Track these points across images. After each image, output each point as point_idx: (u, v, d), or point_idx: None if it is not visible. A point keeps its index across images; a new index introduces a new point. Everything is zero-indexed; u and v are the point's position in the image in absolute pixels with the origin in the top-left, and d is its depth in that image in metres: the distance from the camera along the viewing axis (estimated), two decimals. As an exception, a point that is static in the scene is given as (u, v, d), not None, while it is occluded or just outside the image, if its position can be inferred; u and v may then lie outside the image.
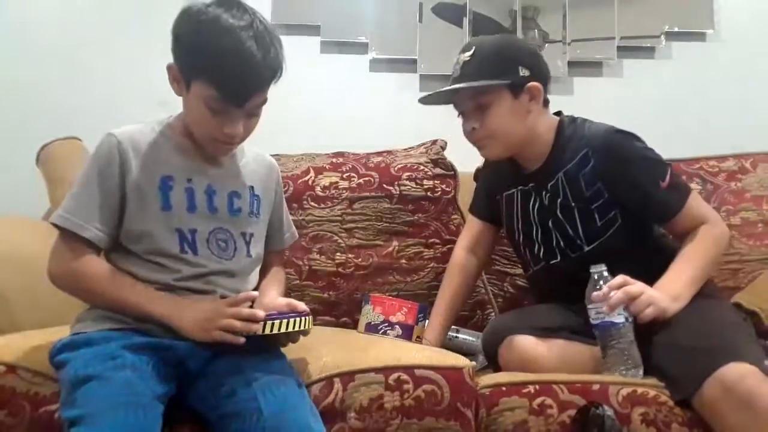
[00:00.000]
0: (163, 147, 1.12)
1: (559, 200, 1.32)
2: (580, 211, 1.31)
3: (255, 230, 1.19)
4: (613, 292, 1.14)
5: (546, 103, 1.37)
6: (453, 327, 1.50)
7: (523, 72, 1.31)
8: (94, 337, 1.01)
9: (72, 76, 2.03)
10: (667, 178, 1.27)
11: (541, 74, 1.34)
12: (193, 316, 1.02)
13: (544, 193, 1.35)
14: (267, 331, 0.99)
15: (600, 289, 1.16)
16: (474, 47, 1.32)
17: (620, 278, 1.16)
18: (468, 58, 1.32)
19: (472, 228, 1.54)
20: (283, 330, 1.00)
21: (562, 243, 1.33)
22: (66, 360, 0.98)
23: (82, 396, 0.90)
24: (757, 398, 0.98)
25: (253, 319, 0.99)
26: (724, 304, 1.29)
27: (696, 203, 1.30)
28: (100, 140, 1.11)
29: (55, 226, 1.07)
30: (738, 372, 1.00)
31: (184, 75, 1.07)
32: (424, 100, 1.40)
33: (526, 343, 1.22)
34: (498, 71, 1.30)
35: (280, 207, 1.29)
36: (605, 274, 1.18)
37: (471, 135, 1.35)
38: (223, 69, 1.03)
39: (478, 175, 1.60)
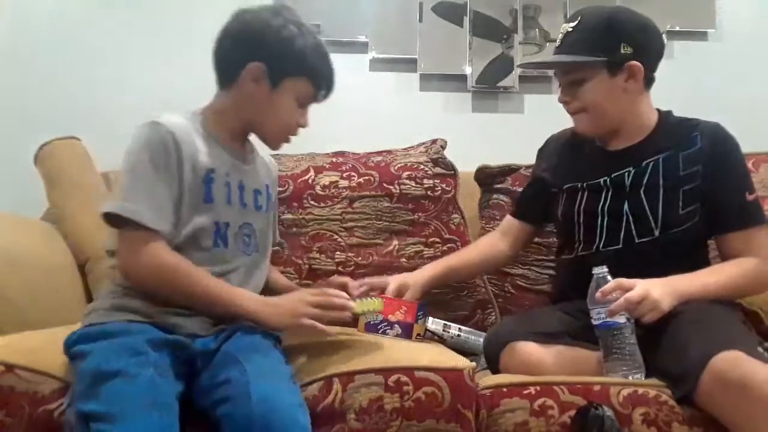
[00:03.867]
0: (203, 140, 1.14)
1: (647, 179, 1.30)
2: (665, 192, 1.29)
3: (266, 227, 1.26)
4: (616, 293, 1.14)
5: (650, 82, 1.34)
6: (455, 326, 1.49)
7: (625, 50, 1.27)
8: (112, 329, 1.01)
9: (72, 76, 2.03)
10: (755, 195, 1.28)
11: (647, 53, 1.31)
12: (279, 309, 1.09)
13: (631, 170, 1.31)
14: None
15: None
16: (580, 17, 1.30)
17: (613, 284, 1.15)
18: (570, 29, 1.30)
19: (511, 228, 1.54)
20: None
21: (632, 224, 1.30)
22: (85, 351, 0.98)
23: (108, 392, 0.91)
24: (750, 381, 0.96)
25: (345, 308, 1.10)
26: (721, 304, 1.25)
27: (763, 235, 1.28)
28: (146, 129, 1.09)
29: (126, 219, 1.05)
30: (728, 359, 1.00)
31: (274, 73, 1.14)
32: (522, 65, 1.46)
33: (528, 349, 1.21)
34: (597, 47, 1.27)
35: (276, 206, 1.36)
36: (608, 276, 1.18)
37: (564, 106, 1.36)
38: (322, 68, 1.18)
39: (535, 171, 1.57)
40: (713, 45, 2.13)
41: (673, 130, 1.34)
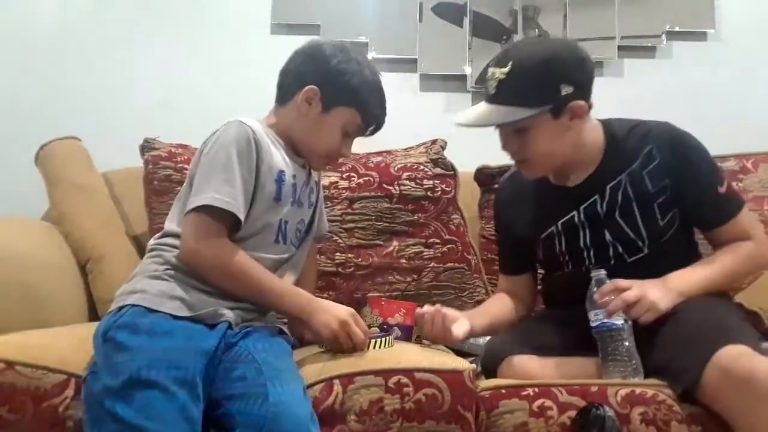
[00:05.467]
0: (273, 143, 1.22)
1: (618, 203, 1.28)
2: (641, 209, 1.27)
3: (313, 219, 1.35)
4: (611, 297, 1.14)
5: (590, 109, 1.27)
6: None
7: (566, 90, 1.21)
8: (157, 327, 1.03)
9: (72, 77, 2.03)
10: (725, 184, 1.27)
11: (586, 87, 1.25)
12: (325, 317, 1.12)
13: (598, 199, 1.29)
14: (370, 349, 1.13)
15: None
16: (511, 63, 1.20)
17: (611, 285, 1.16)
18: (504, 76, 1.21)
19: (512, 286, 1.47)
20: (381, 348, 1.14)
21: (620, 248, 1.27)
22: (126, 345, 0.99)
23: (143, 402, 0.93)
24: (755, 374, 0.96)
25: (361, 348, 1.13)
26: (721, 299, 1.27)
27: (747, 218, 1.29)
28: (233, 127, 1.16)
29: (209, 208, 1.10)
30: (733, 353, 1.00)
31: (328, 99, 1.23)
32: (462, 125, 1.31)
33: (526, 362, 1.19)
34: (538, 95, 1.20)
35: (321, 197, 1.43)
36: (606, 279, 1.18)
37: (509, 155, 1.31)
38: (374, 104, 1.26)
39: (500, 227, 1.51)
40: (713, 45, 2.13)
41: (625, 147, 1.29)
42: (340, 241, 1.65)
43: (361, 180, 1.69)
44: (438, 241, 1.67)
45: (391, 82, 2.10)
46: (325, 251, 1.63)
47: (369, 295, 1.43)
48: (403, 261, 1.65)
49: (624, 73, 2.12)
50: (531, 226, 1.39)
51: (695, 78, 2.11)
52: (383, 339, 1.18)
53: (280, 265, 1.23)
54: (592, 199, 1.29)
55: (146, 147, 1.72)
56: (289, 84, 1.26)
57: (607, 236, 1.28)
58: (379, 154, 1.75)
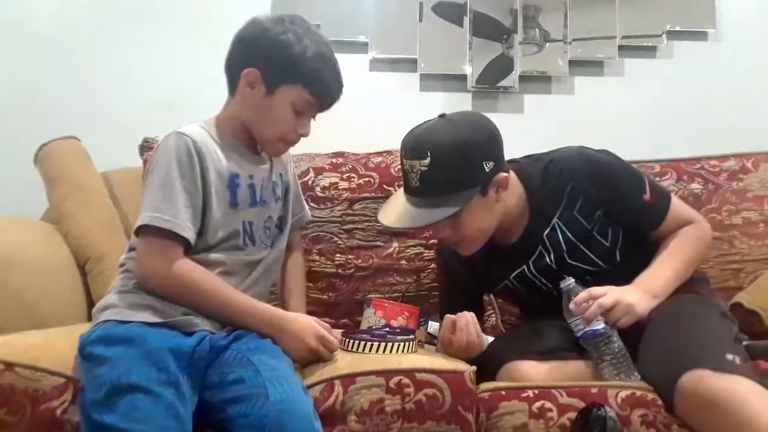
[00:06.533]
0: (221, 147, 1.18)
1: (564, 249, 1.29)
2: (586, 245, 1.29)
3: (285, 212, 1.31)
4: (589, 302, 1.15)
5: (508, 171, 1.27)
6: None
7: (488, 166, 1.20)
8: (132, 334, 1.02)
9: (72, 76, 2.02)
10: (647, 189, 1.28)
11: (501, 157, 1.25)
12: (294, 343, 1.10)
13: (542, 251, 1.30)
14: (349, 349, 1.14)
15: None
16: (429, 153, 1.19)
17: (585, 293, 1.17)
18: (425, 168, 1.19)
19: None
20: (363, 351, 1.13)
21: (588, 277, 1.28)
22: (102, 356, 0.98)
23: (128, 407, 0.91)
24: (714, 397, 0.97)
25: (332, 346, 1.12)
26: (699, 300, 1.27)
27: (678, 207, 1.32)
28: (171, 140, 1.12)
29: (152, 227, 1.08)
30: (693, 380, 1.00)
31: (270, 79, 1.14)
32: (394, 226, 1.30)
33: (525, 368, 1.18)
34: (466, 180, 1.20)
35: (296, 183, 1.38)
36: (578, 287, 1.19)
37: (444, 240, 1.32)
38: (321, 75, 1.16)
39: (452, 277, 1.48)
40: (713, 45, 2.13)
41: (546, 192, 1.29)
42: (340, 242, 1.65)
43: (361, 181, 1.68)
44: (438, 242, 1.67)
45: (391, 82, 2.13)
46: (325, 252, 1.64)
47: (371, 296, 1.43)
48: (403, 262, 1.65)
49: (624, 73, 2.12)
50: (481, 282, 1.41)
51: (696, 78, 2.11)
52: (408, 343, 1.16)
53: (253, 268, 1.20)
54: (537, 252, 1.31)
55: (146, 147, 1.72)
56: (230, 73, 1.20)
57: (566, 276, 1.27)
58: (379, 154, 1.75)
